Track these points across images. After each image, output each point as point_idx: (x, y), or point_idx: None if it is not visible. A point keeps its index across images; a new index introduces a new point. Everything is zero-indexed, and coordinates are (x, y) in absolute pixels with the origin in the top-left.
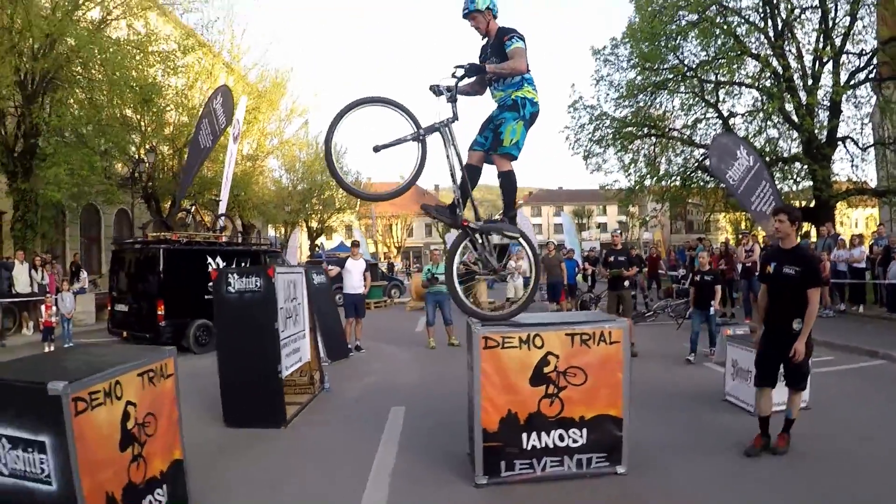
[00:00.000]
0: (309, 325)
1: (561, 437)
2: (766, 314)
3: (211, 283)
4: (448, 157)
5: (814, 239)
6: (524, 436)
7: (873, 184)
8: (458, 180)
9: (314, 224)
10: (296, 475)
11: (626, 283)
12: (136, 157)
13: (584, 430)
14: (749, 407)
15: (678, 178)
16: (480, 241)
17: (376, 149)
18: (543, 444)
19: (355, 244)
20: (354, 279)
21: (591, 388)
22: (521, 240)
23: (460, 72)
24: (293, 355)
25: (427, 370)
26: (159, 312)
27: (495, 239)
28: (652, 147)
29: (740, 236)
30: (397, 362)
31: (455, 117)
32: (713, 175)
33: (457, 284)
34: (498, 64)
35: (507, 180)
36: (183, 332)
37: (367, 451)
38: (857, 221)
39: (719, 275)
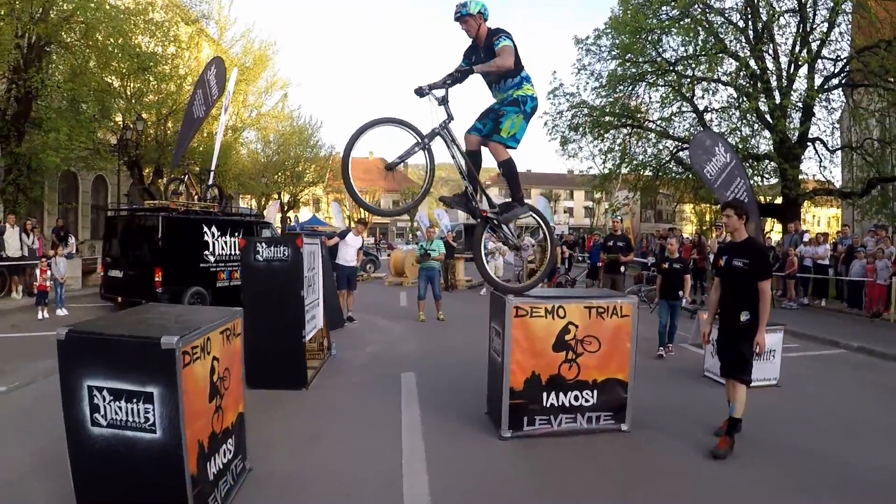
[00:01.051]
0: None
1: (576, 398)
2: (719, 307)
3: (206, 252)
4: (453, 155)
5: (779, 235)
6: (545, 395)
7: (838, 185)
8: (466, 173)
9: (286, 197)
10: (330, 432)
11: (623, 268)
12: (124, 124)
13: (596, 392)
14: (754, 382)
15: (652, 168)
16: (499, 226)
17: (389, 167)
18: (560, 403)
19: (361, 222)
20: (349, 253)
21: (604, 354)
22: (534, 216)
23: (450, 80)
24: (311, 322)
25: (424, 341)
26: (157, 279)
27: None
28: (627, 137)
29: (713, 227)
30: (392, 333)
31: (451, 117)
32: (692, 168)
33: (486, 264)
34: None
35: (508, 168)
36: (179, 299)
37: (391, 411)
38: (819, 220)
39: (688, 263)
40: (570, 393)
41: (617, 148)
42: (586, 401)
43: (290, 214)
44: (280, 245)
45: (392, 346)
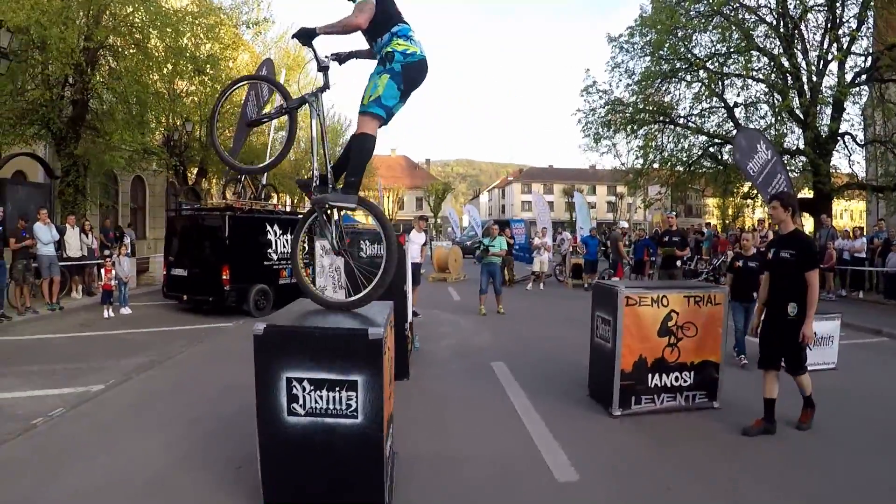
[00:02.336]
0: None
1: (676, 378)
2: (767, 299)
3: (269, 250)
4: (311, 126)
5: (811, 229)
6: (650, 376)
7: (862, 178)
8: (321, 150)
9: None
10: (452, 418)
11: (679, 262)
12: (170, 125)
13: (692, 373)
14: (814, 366)
15: (683, 164)
16: (322, 217)
17: (248, 123)
18: (663, 384)
19: (423, 218)
20: (414, 249)
21: (700, 338)
22: (367, 211)
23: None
24: (407, 314)
25: (496, 333)
26: (224, 277)
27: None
28: (660, 133)
29: (756, 222)
30: (461, 327)
31: (326, 86)
32: (736, 165)
33: (300, 264)
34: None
35: (356, 142)
36: (245, 296)
37: (499, 395)
38: (841, 213)
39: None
40: (671, 374)
41: (650, 144)
42: (684, 381)
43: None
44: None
45: (467, 338)
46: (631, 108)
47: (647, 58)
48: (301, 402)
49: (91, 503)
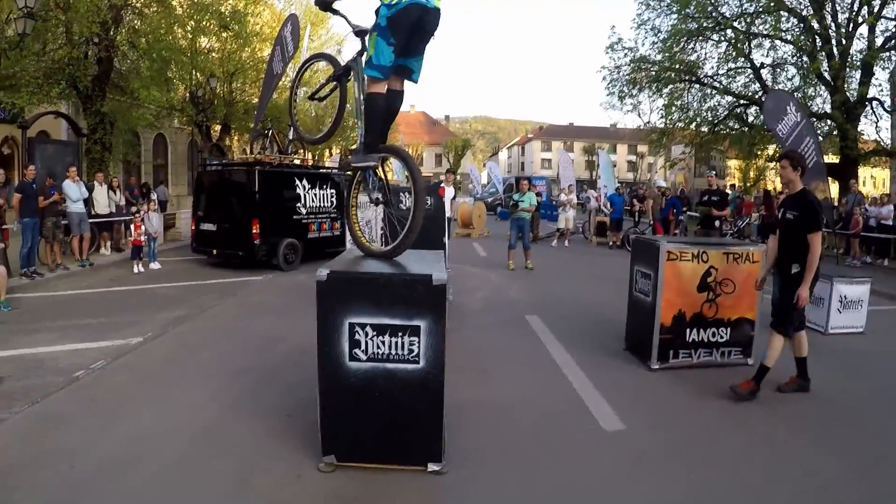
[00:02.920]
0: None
1: (713, 334)
2: (775, 260)
3: (298, 204)
4: (354, 90)
5: (835, 195)
6: (688, 331)
7: (888, 144)
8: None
9: (336, 151)
10: (493, 368)
11: (717, 222)
12: (193, 81)
13: (728, 329)
14: (843, 329)
15: (709, 124)
16: (359, 177)
17: (310, 97)
18: (700, 339)
19: (450, 171)
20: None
21: (737, 296)
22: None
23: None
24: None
25: (526, 288)
26: (254, 231)
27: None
28: (685, 92)
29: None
30: (491, 281)
31: (364, 49)
32: (766, 126)
33: (353, 220)
34: None
35: (363, 104)
36: (275, 250)
37: (537, 346)
38: (864, 180)
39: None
40: (708, 329)
41: (675, 103)
42: (721, 337)
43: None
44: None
45: (498, 292)
46: (656, 67)
47: (674, 15)
48: (363, 347)
49: (144, 450)
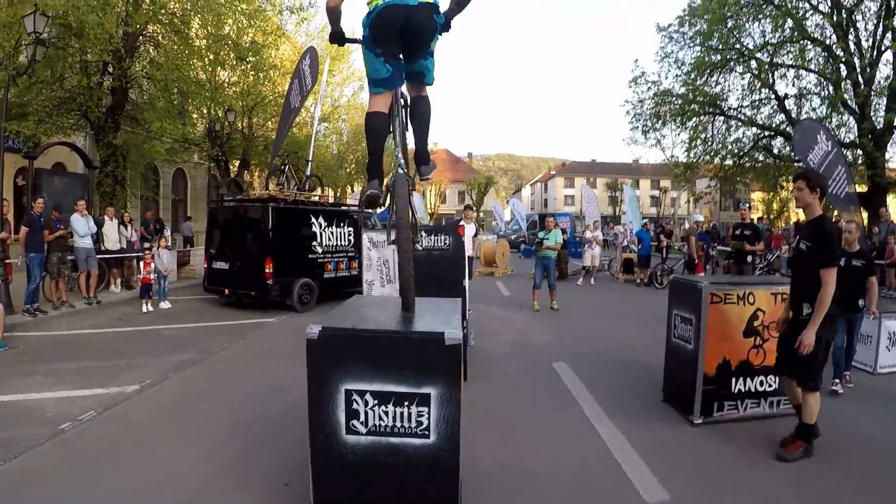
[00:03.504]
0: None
1: (761, 383)
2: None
3: (314, 243)
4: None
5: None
6: (733, 380)
7: None
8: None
9: (358, 188)
10: (519, 422)
11: (749, 257)
12: (211, 115)
13: (778, 377)
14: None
15: (734, 156)
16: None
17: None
18: (747, 388)
19: (469, 208)
20: (466, 242)
21: None
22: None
23: None
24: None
25: (553, 330)
26: (267, 270)
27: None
28: (709, 124)
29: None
30: (515, 323)
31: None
32: (795, 157)
33: None
34: None
35: (365, 128)
36: (289, 290)
37: (567, 399)
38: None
39: (872, 261)
40: (756, 378)
41: (699, 136)
42: (769, 386)
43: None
44: (441, 233)
45: (523, 335)
46: (680, 100)
47: (697, 48)
48: (362, 418)
49: None
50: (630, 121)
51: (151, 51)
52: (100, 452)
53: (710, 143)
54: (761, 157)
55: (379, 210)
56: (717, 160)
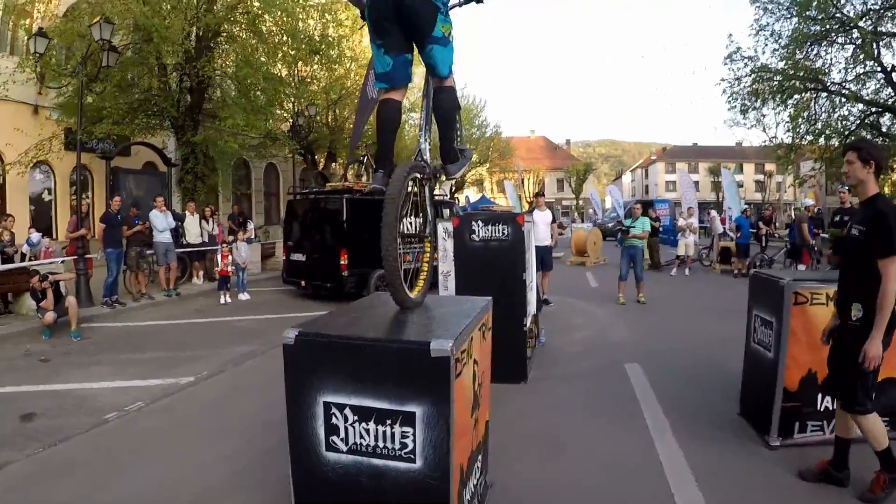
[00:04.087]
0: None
1: None
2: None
3: None
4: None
5: None
6: (820, 397)
7: None
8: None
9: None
10: (569, 434)
11: None
12: (296, 110)
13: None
14: None
15: (840, 135)
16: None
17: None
18: (835, 406)
19: (539, 194)
20: (541, 231)
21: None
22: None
23: None
24: (529, 307)
25: (634, 326)
26: (342, 262)
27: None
28: (812, 102)
29: None
30: (596, 317)
31: None
32: None
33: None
34: None
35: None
36: (365, 281)
37: (631, 408)
38: None
39: None
40: None
41: (802, 115)
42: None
43: (459, 195)
44: (499, 223)
45: (601, 331)
46: (779, 76)
47: (794, 19)
48: (342, 434)
49: None
50: (727, 100)
51: (227, 49)
52: (134, 445)
53: (813, 122)
54: (869, 136)
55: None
56: (821, 140)
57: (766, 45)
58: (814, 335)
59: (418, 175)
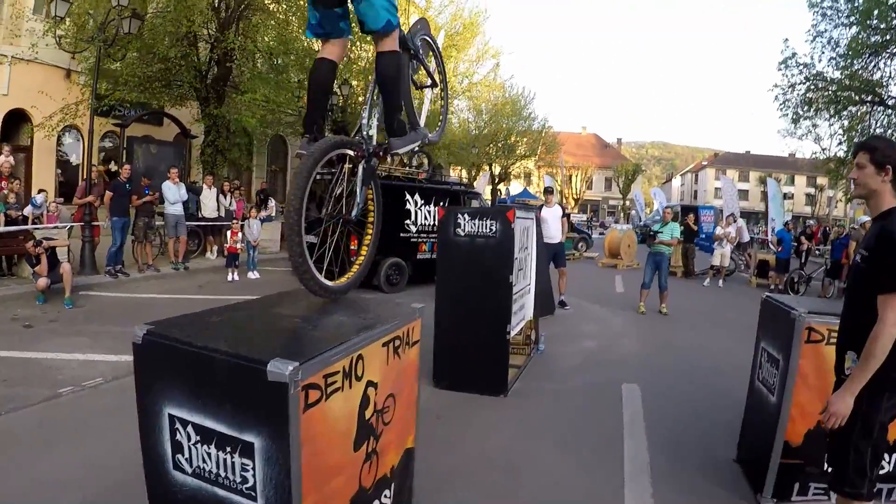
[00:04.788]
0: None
1: None
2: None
3: (407, 221)
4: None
5: None
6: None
7: None
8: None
9: (497, 169)
10: (533, 462)
11: None
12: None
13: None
14: None
15: None
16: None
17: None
18: None
19: (548, 191)
20: (552, 228)
21: None
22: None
23: None
24: (519, 312)
25: (647, 339)
26: (352, 248)
27: None
28: (868, 115)
29: None
30: (610, 326)
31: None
32: None
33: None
34: None
35: None
36: (375, 269)
37: (611, 437)
38: None
39: None
40: None
41: (856, 128)
42: (881, 467)
43: (501, 187)
44: (487, 218)
45: (610, 342)
46: (834, 86)
47: (854, 27)
48: (186, 454)
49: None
50: (779, 107)
51: (257, 22)
52: (76, 424)
53: (868, 137)
54: None
55: (502, 193)
56: None
57: (823, 52)
58: (828, 381)
59: (348, 151)
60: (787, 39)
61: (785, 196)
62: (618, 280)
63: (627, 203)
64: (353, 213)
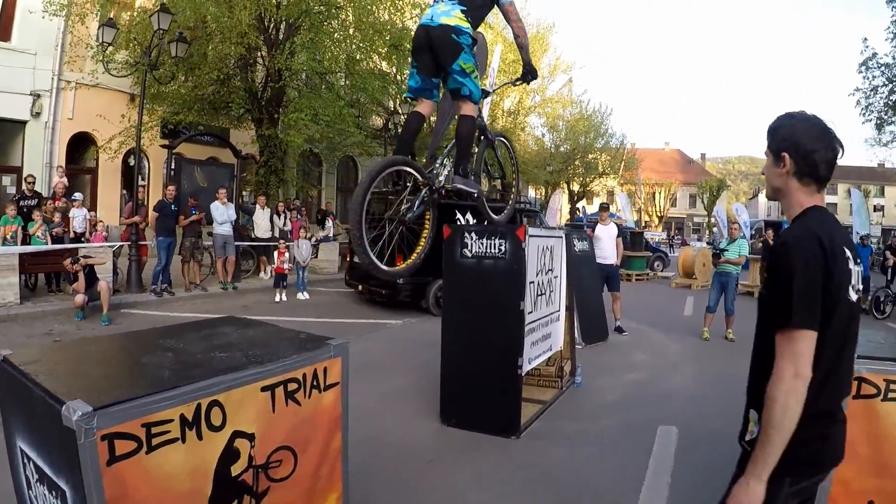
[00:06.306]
0: (566, 304)
1: None
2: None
3: None
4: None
5: None
6: None
7: None
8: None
9: (575, 187)
10: None
11: None
12: (391, 108)
13: None
14: None
15: None
16: None
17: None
18: None
19: (604, 207)
20: (606, 247)
21: None
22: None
23: None
24: (541, 343)
25: (703, 369)
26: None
27: None
28: None
29: None
30: (665, 354)
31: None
32: None
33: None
34: None
35: None
36: (423, 291)
37: (627, 490)
38: None
39: None
40: None
41: None
42: None
43: (579, 204)
44: (495, 237)
45: (658, 375)
46: None
47: None
48: (33, 492)
49: None
50: (861, 112)
51: (308, 42)
52: None
53: None
54: None
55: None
56: None
57: None
58: (883, 448)
59: (414, 173)
60: (865, 39)
61: (874, 208)
62: (688, 302)
63: (712, 220)
64: (408, 216)
